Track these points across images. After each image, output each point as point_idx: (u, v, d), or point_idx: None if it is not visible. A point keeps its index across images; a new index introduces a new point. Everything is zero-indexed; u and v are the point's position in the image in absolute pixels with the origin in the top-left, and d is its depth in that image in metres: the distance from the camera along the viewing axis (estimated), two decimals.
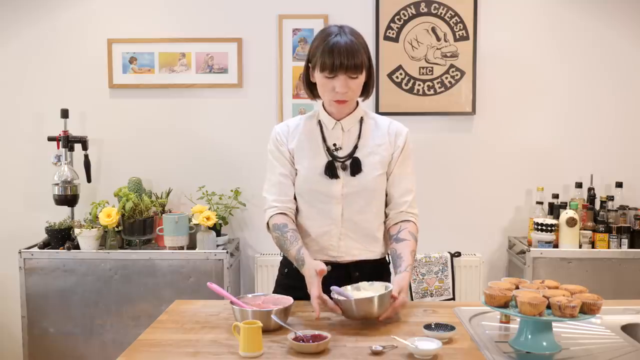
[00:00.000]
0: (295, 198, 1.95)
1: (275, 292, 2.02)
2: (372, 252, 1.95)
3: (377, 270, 1.97)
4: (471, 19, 3.34)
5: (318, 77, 1.85)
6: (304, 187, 1.92)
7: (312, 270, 1.76)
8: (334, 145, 1.92)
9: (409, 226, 1.93)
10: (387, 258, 2.03)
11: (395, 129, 1.96)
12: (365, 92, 1.92)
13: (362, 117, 1.96)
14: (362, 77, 1.85)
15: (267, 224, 1.95)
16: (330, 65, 1.78)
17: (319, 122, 1.95)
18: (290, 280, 1.98)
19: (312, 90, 1.94)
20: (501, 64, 3.39)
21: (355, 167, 1.89)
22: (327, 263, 1.85)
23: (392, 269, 1.94)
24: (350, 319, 1.68)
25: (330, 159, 1.90)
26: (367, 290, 1.76)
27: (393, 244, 1.92)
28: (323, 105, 1.95)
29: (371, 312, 1.64)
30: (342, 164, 1.89)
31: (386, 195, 1.97)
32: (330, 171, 1.88)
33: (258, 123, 3.39)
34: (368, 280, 1.84)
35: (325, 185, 1.89)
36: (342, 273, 1.92)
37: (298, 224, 1.95)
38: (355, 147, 1.91)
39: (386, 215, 1.98)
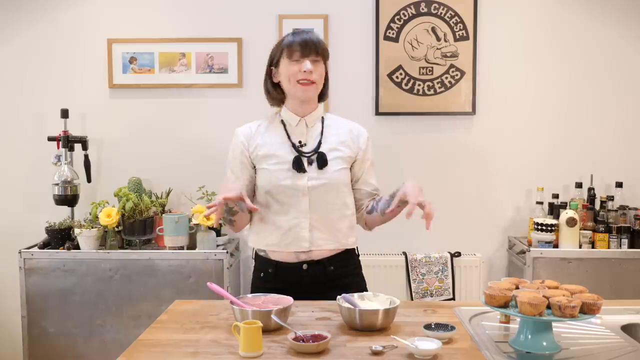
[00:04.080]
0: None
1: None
2: (339, 242, 2.03)
3: (347, 261, 2.08)
4: (471, 19, 3.34)
5: (283, 68, 1.98)
6: (270, 183, 1.99)
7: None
8: (300, 142, 2.01)
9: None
10: (355, 250, 2.13)
11: (356, 129, 2.10)
12: (321, 94, 2.06)
13: (322, 117, 2.08)
14: (323, 67, 2.00)
15: None
16: (299, 44, 1.93)
17: (282, 121, 2.05)
18: (268, 284, 2.04)
19: (272, 95, 2.07)
20: (501, 64, 3.39)
21: (322, 161, 1.98)
22: (302, 263, 1.99)
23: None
24: (351, 327, 1.68)
25: (297, 154, 1.99)
26: (370, 301, 1.78)
27: (373, 205, 2.08)
28: (285, 106, 2.06)
29: (374, 324, 1.65)
30: (308, 159, 1.98)
31: (355, 190, 2.11)
32: (298, 166, 1.97)
33: None
34: (340, 272, 2.01)
35: (292, 179, 1.97)
36: (318, 269, 2.01)
37: (268, 220, 2.02)
38: (320, 142, 2.01)
39: (359, 207, 2.12)
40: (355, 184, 2.10)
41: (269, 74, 2.05)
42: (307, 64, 1.93)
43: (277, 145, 2.01)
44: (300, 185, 1.96)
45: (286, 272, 2.01)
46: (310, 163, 1.98)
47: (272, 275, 2.03)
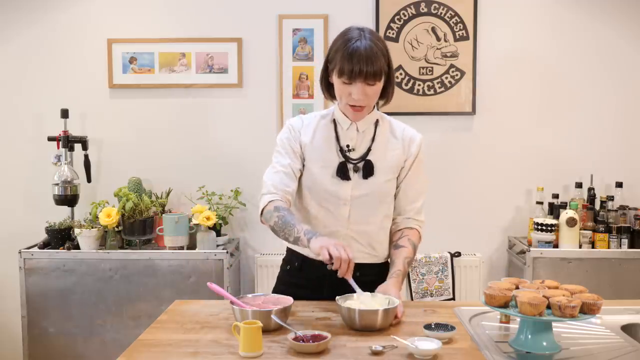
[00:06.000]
0: (294, 193, 1.91)
1: (276, 288, 2.03)
2: (374, 256, 1.95)
3: (377, 272, 1.95)
4: (471, 19, 3.34)
5: (336, 80, 1.83)
6: (313, 186, 1.91)
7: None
8: (347, 146, 1.90)
9: (410, 233, 1.94)
10: (389, 261, 2.02)
11: (409, 135, 1.95)
12: (384, 96, 1.89)
13: (377, 120, 1.93)
14: (380, 84, 1.82)
15: (263, 208, 1.86)
16: (349, 71, 1.76)
17: (334, 120, 1.94)
18: (293, 278, 2.00)
19: (329, 90, 1.91)
20: (501, 63, 3.39)
21: (368, 170, 1.88)
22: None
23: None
24: (350, 327, 1.68)
25: (343, 159, 1.88)
26: (369, 301, 1.76)
27: (392, 251, 1.94)
28: (338, 106, 1.92)
29: (373, 324, 1.65)
30: (354, 166, 1.88)
31: (395, 200, 1.96)
32: (342, 173, 1.87)
33: (258, 123, 3.40)
34: (369, 280, 1.84)
35: (335, 185, 1.88)
36: None
37: (305, 222, 1.93)
38: (369, 149, 1.90)
39: (393, 221, 1.98)
40: (396, 190, 1.96)
41: (326, 69, 1.88)
42: (356, 93, 1.78)
43: (324, 145, 1.91)
44: (343, 194, 1.88)
45: (311, 269, 1.94)
46: (356, 171, 1.88)
47: (297, 270, 1.98)
